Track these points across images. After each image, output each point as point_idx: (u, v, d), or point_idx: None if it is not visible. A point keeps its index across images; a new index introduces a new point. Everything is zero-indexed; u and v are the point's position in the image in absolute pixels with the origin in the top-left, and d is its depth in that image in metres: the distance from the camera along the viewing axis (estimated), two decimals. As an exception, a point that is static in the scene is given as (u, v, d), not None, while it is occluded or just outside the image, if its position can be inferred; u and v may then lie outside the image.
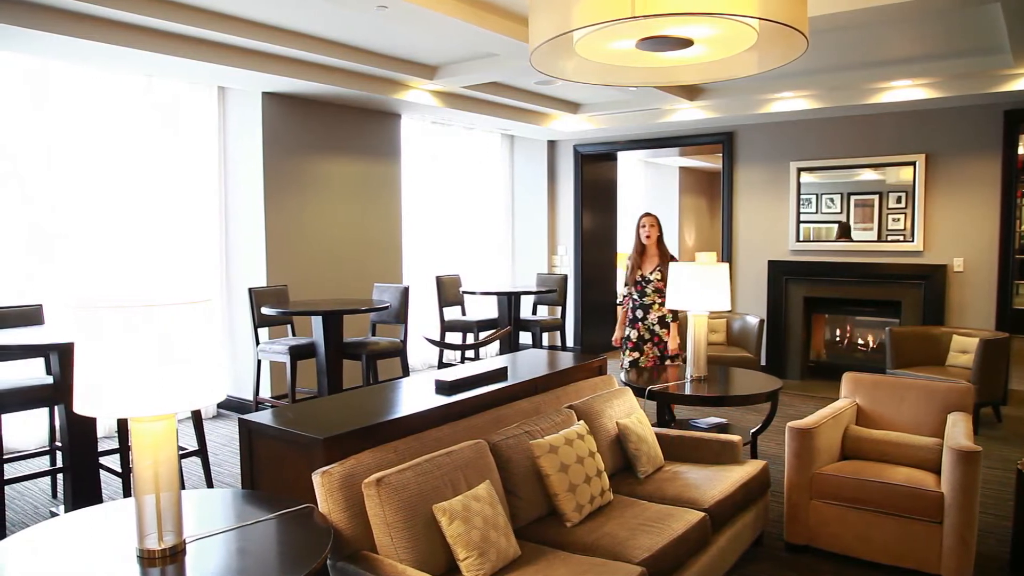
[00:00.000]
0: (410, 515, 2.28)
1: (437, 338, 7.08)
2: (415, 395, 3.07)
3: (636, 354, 5.11)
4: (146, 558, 1.89)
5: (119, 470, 3.94)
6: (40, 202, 5.10)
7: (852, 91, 6.44)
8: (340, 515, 2.27)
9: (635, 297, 5.12)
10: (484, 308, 7.80)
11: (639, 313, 5.08)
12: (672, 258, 5.01)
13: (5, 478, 3.73)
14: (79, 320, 1.80)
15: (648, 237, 5.09)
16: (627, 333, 5.14)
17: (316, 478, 2.29)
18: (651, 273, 5.05)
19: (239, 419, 2.68)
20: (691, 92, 7.01)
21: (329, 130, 6.46)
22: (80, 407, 1.82)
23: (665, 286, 4.83)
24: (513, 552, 2.43)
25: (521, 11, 4.51)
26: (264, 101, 5.89)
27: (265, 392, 5.96)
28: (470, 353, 7.16)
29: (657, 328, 5.04)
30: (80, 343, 1.80)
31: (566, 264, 9.10)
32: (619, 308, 5.27)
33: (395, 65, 5.72)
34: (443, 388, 3.10)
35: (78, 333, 1.80)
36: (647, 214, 5.20)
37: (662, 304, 4.98)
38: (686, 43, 2.74)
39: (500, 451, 2.76)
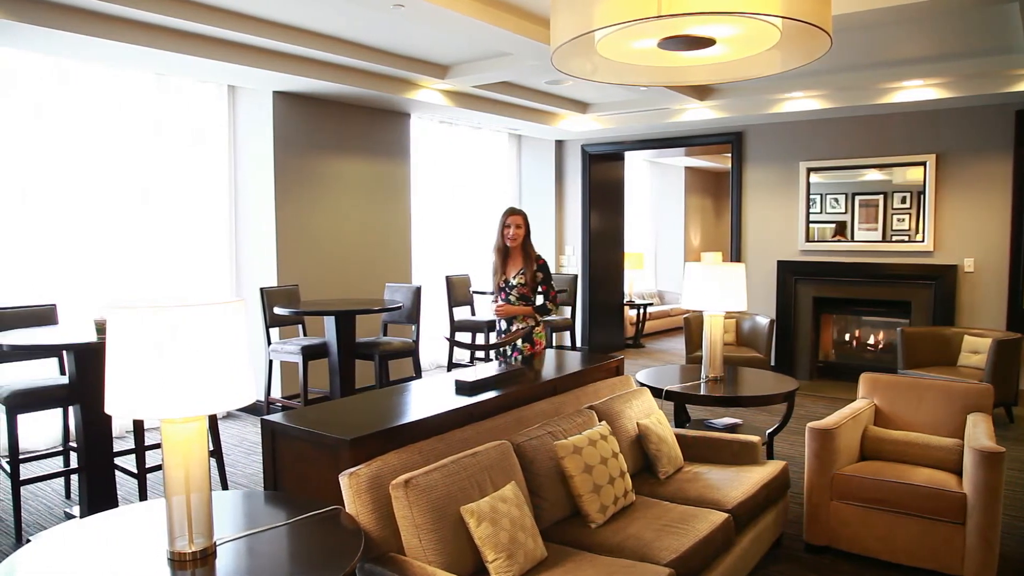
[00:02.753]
0: (438, 517, 2.26)
1: (447, 338, 7.06)
2: (435, 396, 3.06)
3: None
4: (177, 560, 1.88)
5: (135, 471, 3.92)
6: (51, 201, 5.09)
7: (863, 91, 6.43)
8: (367, 517, 2.26)
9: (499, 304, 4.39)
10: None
11: (502, 324, 4.38)
12: (540, 260, 4.33)
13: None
14: (113, 321, 1.78)
15: (513, 239, 4.28)
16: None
17: (343, 479, 2.28)
18: (515, 277, 4.28)
19: (262, 420, 2.67)
20: (701, 92, 6.99)
21: (339, 129, 6.45)
22: (112, 409, 1.81)
23: (530, 292, 4.29)
24: (540, 554, 2.42)
25: (536, 10, 4.50)
26: (275, 100, 5.88)
27: (276, 392, 5.95)
28: (479, 353, 7.14)
29: (520, 342, 4.31)
30: (113, 344, 1.79)
31: (573, 264, 9.09)
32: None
33: (407, 64, 5.71)
34: (464, 389, 3.08)
35: (112, 334, 1.79)
36: (513, 211, 4.34)
37: (526, 316, 4.31)
38: (708, 42, 2.73)
39: (524, 452, 2.74)
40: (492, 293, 4.42)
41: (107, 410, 1.83)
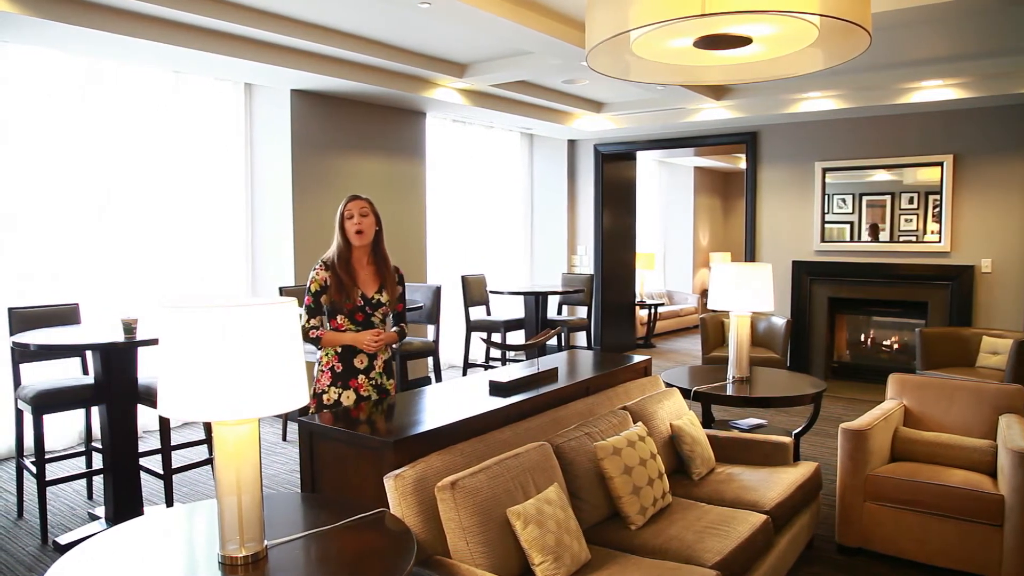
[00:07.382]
0: (485, 519, 2.24)
1: (463, 339, 7.05)
2: (469, 397, 3.03)
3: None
4: (228, 565, 1.85)
5: (159, 471, 3.90)
6: (68, 199, 5.06)
7: (881, 91, 6.41)
8: (413, 519, 2.23)
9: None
10: (509, 308, 7.76)
11: (358, 362, 3.11)
12: (399, 270, 3.28)
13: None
14: (167, 321, 1.76)
15: (360, 232, 3.05)
16: (336, 395, 3.10)
17: (388, 481, 2.26)
18: (379, 294, 3.13)
19: (300, 421, 2.65)
20: (718, 91, 6.97)
21: (356, 128, 6.42)
22: (166, 410, 1.78)
23: (392, 312, 3.23)
24: (585, 556, 2.39)
25: (561, 9, 4.47)
26: (293, 98, 5.86)
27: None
28: (495, 353, 7.12)
29: (385, 381, 3.20)
30: (167, 345, 1.76)
31: (585, 264, 9.06)
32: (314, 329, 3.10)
33: (425, 63, 5.68)
34: (499, 390, 3.06)
35: (166, 334, 1.77)
36: (355, 198, 3.10)
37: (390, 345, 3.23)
38: (745, 41, 2.71)
39: (563, 453, 2.72)
40: (311, 316, 3.09)
41: (160, 411, 1.80)
